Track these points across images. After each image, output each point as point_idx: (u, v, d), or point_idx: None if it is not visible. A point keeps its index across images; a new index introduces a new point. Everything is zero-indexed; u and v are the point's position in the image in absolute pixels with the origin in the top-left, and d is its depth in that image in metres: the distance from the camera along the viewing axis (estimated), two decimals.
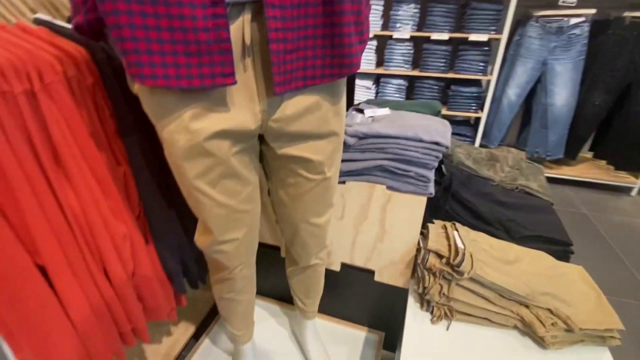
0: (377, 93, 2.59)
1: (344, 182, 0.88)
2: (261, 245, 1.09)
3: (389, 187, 0.86)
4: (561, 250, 0.94)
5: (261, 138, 0.58)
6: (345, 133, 0.82)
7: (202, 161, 0.50)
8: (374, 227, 0.91)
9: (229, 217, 0.58)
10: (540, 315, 0.76)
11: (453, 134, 2.51)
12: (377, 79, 2.60)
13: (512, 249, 0.89)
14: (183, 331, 1.17)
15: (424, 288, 0.83)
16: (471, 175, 1.08)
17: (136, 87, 0.47)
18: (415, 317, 0.83)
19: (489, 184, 1.09)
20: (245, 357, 0.90)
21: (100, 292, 0.68)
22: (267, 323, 1.13)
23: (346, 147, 0.84)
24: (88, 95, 0.64)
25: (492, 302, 0.79)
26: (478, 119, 2.45)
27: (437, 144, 0.78)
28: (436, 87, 2.46)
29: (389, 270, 0.97)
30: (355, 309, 1.10)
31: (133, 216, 0.73)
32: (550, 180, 2.50)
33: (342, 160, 0.85)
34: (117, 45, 0.40)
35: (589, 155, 2.59)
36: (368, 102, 1.11)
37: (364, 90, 2.60)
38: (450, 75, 2.34)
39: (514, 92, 2.32)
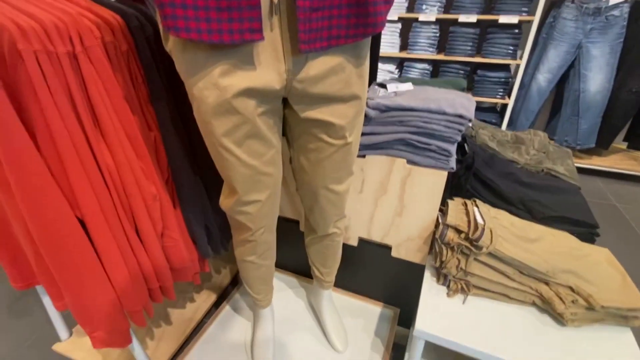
0: (397, 77, 2.55)
1: (364, 156, 0.89)
2: (281, 219, 1.12)
3: (410, 162, 0.86)
4: (586, 232, 0.92)
5: (285, 102, 0.59)
6: (368, 106, 0.83)
7: (229, 119, 0.52)
8: (392, 201, 0.92)
9: (253, 177, 0.60)
10: (560, 292, 0.76)
11: (478, 120, 2.44)
12: (401, 63, 2.56)
13: (533, 228, 0.88)
14: (205, 298, 1.22)
15: (442, 262, 0.83)
16: (494, 155, 1.06)
17: (170, 44, 0.49)
18: (430, 290, 0.84)
19: (512, 164, 1.07)
20: (265, 321, 0.94)
21: (132, 248, 0.72)
22: (285, 293, 1.16)
23: (368, 120, 0.84)
24: (123, 61, 0.67)
25: (510, 278, 0.79)
26: (505, 106, 2.37)
27: (460, 116, 0.77)
28: (462, 72, 2.39)
29: (407, 246, 0.98)
30: (372, 284, 1.12)
31: (162, 180, 0.77)
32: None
33: (363, 134, 0.86)
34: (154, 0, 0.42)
35: (623, 145, 2.47)
36: (391, 79, 1.10)
37: (386, 75, 2.56)
38: (477, 59, 2.27)
39: (544, 78, 2.22)
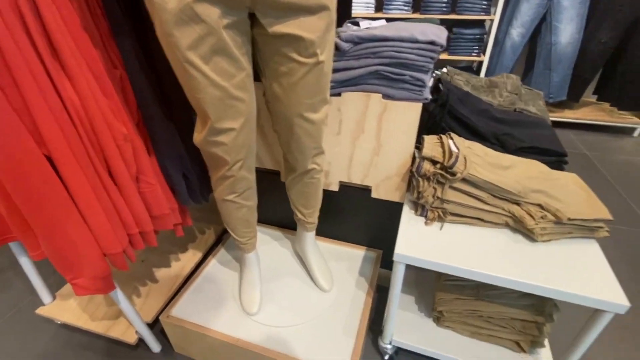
0: None
1: (339, 94, 0.89)
2: (261, 171, 1.12)
3: (385, 96, 0.86)
4: (556, 160, 0.96)
5: (252, 21, 0.58)
6: (340, 38, 0.82)
7: (193, 28, 0.50)
8: (370, 140, 0.93)
9: (224, 101, 0.59)
10: (530, 210, 0.79)
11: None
12: None
13: (506, 157, 0.91)
14: (191, 257, 1.22)
15: (419, 193, 0.86)
16: (468, 93, 1.08)
17: None
18: (409, 221, 0.86)
19: (483, 101, 1.09)
20: (251, 265, 0.95)
21: (106, 189, 0.71)
22: (270, 245, 1.18)
23: (341, 53, 0.83)
24: None
25: (484, 202, 0.82)
26: (481, 64, 2.39)
27: (432, 43, 0.77)
28: None
29: (385, 185, 0.99)
30: (355, 229, 1.14)
31: (132, 121, 0.75)
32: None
33: (338, 70, 0.86)
34: None
35: (593, 98, 2.55)
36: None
37: None
38: (453, 16, 2.26)
39: (517, 33, 2.24)
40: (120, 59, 0.72)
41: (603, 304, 0.65)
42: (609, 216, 0.76)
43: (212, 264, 1.12)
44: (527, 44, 2.30)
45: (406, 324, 0.98)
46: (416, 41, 0.78)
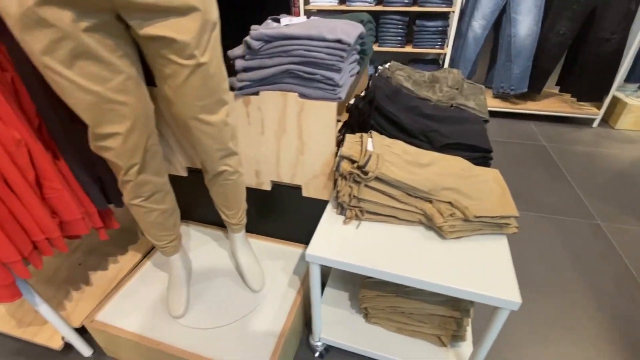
0: None
1: (257, 93, 0.87)
2: (194, 171, 1.10)
3: (301, 95, 0.85)
4: (481, 157, 0.96)
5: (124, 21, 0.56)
6: (251, 37, 0.80)
7: (43, 32, 0.48)
8: (293, 139, 0.92)
9: (100, 106, 0.57)
10: (440, 208, 0.80)
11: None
12: None
13: (428, 154, 0.91)
14: (130, 259, 1.21)
15: (337, 192, 0.85)
16: (398, 90, 1.07)
17: None
18: (329, 220, 0.86)
19: (416, 98, 1.08)
20: (175, 268, 0.95)
21: (1, 198, 0.69)
22: (206, 246, 1.17)
23: (253, 52, 0.82)
24: None
25: (398, 200, 0.82)
26: (445, 57, 2.39)
27: (339, 41, 0.76)
28: (401, 23, 2.37)
29: (314, 184, 0.99)
30: (289, 227, 1.14)
31: (29, 125, 0.73)
32: (515, 115, 2.50)
33: (252, 69, 0.84)
34: None
35: (556, 90, 2.58)
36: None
37: None
38: (415, 8, 2.25)
39: (479, 25, 2.24)
40: (9, 61, 0.69)
41: (497, 301, 0.66)
42: (515, 213, 0.77)
43: (147, 267, 1.11)
44: (489, 36, 2.30)
45: (337, 321, 0.98)
46: (324, 39, 0.77)
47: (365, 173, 0.80)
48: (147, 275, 1.08)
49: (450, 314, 0.87)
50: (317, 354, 1.00)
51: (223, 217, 0.94)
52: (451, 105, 1.19)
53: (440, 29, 2.30)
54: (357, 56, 0.94)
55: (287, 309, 0.95)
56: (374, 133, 0.91)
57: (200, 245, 1.17)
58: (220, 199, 0.88)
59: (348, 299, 1.05)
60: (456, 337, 0.89)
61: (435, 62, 2.54)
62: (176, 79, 0.61)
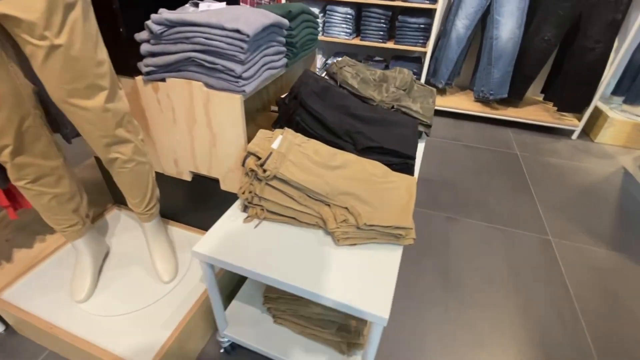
0: (324, 23, 2.43)
1: (164, 80, 0.84)
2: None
3: (207, 85, 0.82)
4: (403, 162, 0.93)
5: None
6: (152, 20, 0.76)
7: None
8: (204, 130, 0.89)
9: None
10: (336, 213, 0.77)
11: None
12: (324, 7, 2.42)
13: (342, 157, 0.87)
14: (57, 238, 1.20)
15: (240, 188, 0.83)
16: (329, 87, 1.03)
17: None
18: (231, 217, 0.84)
19: (349, 96, 1.04)
20: (80, 254, 0.93)
21: None
22: (131, 233, 1.15)
23: (156, 36, 0.79)
24: None
25: (297, 202, 0.79)
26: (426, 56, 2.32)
27: (237, 31, 0.72)
28: (384, 18, 2.30)
29: (230, 177, 0.96)
30: (213, 218, 1.11)
31: None
32: (494, 121, 2.44)
33: (155, 54, 0.81)
34: None
35: (540, 98, 2.50)
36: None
37: None
38: (398, 3, 2.18)
39: (462, 24, 2.17)
40: None
41: (367, 315, 0.64)
42: (409, 224, 0.74)
43: (66, 249, 1.10)
44: (472, 36, 2.23)
45: (247, 319, 0.97)
46: (223, 28, 0.73)
47: (265, 171, 0.78)
48: (65, 257, 1.07)
49: (346, 322, 0.84)
50: (221, 350, 0.99)
51: (129, 204, 0.92)
52: (392, 107, 1.15)
53: (423, 26, 2.23)
54: (278, 48, 0.90)
55: (191, 302, 0.94)
56: (289, 131, 0.88)
57: (130, 231, 1.16)
58: (121, 187, 0.86)
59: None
60: (355, 345, 0.87)
61: (419, 60, 2.47)
62: (35, 59, 0.58)
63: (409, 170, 0.94)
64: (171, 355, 0.85)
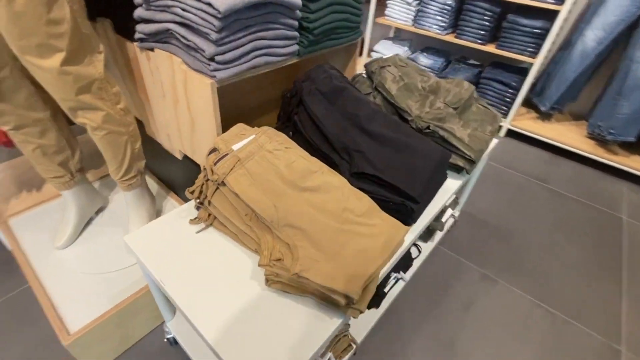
0: (417, 12, 2.14)
1: (152, 50, 0.77)
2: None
3: (185, 63, 0.72)
4: (400, 202, 0.72)
5: None
6: None
7: None
8: (184, 112, 0.81)
9: None
10: (276, 247, 0.62)
11: (497, 81, 1.99)
12: None
13: (321, 177, 0.71)
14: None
15: (193, 184, 0.73)
16: (344, 89, 0.84)
17: None
18: (182, 212, 0.75)
19: (367, 104, 0.84)
20: (66, 203, 0.97)
21: None
22: None
23: (146, 1, 0.71)
24: None
25: (242, 219, 0.66)
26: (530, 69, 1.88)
27: (209, 4, 0.60)
28: (489, 14, 1.91)
29: None
30: None
31: None
32: (606, 169, 1.88)
33: (143, 20, 0.74)
34: None
35: None
36: None
37: (402, 6, 2.17)
38: None
39: (594, 36, 1.67)
40: None
41: None
42: (352, 293, 0.55)
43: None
44: (604, 54, 1.70)
45: None
46: (199, 0, 0.61)
47: (213, 174, 0.66)
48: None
49: None
50: (165, 340, 0.95)
51: (109, 171, 0.91)
52: (427, 127, 0.91)
53: (538, 31, 1.78)
54: (284, 32, 0.75)
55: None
56: (269, 131, 0.74)
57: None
58: (102, 152, 0.84)
59: None
60: None
61: (523, 72, 2.01)
62: None
63: (407, 216, 0.72)
64: (106, 330, 0.83)
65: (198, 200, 0.72)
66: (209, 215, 0.72)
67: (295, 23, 0.77)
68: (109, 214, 1.10)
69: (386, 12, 2.26)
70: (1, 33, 0.61)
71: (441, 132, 0.90)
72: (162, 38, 0.74)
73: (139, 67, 0.86)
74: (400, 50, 2.38)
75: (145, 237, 0.70)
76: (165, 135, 0.95)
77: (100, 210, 1.10)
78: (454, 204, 1.19)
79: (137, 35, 0.77)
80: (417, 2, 2.13)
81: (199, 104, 0.74)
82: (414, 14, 2.15)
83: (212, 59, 0.66)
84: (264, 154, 0.70)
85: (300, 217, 0.63)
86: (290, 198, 0.66)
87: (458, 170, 0.94)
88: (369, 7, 2.26)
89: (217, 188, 0.68)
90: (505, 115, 2.03)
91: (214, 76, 0.67)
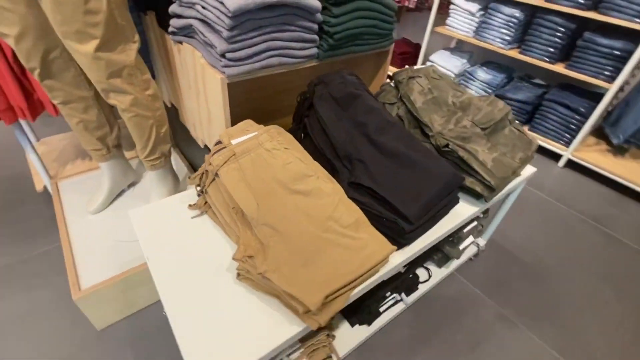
0: (480, 23, 2.01)
1: (181, 43, 0.83)
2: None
3: (203, 57, 0.76)
4: (393, 222, 0.68)
5: None
6: None
7: None
8: (204, 103, 0.85)
9: None
10: (251, 244, 0.62)
11: (562, 105, 1.79)
12: (487, 4, 1.98)
13: (314, 182, 0.70)
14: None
15: (195, 170, 0.77)
16: (358, 96, 0.81)
17: None
18: (186, 196, 0.80)
19: (379, 113, 0.80)
20: (102, 173, 1.08)
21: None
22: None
23: None
24: None
25: (229, 210, 0.68)
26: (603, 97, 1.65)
27: (222, 3, 0.63)
28: (562, 30, 1.73)
29: None
30: None
31: None
32: None
33: (175, 15, 0.79)
34: None
35: None
36: None
37: (465, 16, 2.05)
38: (593, 15, 1.57)
39: None
40: None
41: None
42: (310, 305, 0.53)
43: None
44: None
45: None
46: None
47: (209, 164, 0.69)
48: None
49: None
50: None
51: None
52: (447, 145, 0.85)
53: (618, 53, 1.57)
54: (302, 34, 0.76)
55: None
56: (273, 130, 0.75)
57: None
58: (129, 131, 0.92)
59: None
60: None
61: (596, 97, 1.78)
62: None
63: (398, 235, 0.68)
64: (112, 293, 0.91)
65: (199, 188, 0.76)
66: (205, 203, 0.75)
67: (314, 26, 0.77)
68: (140, 189, 1.21)
69: (447, 21, 2.16)
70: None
71: (461, 152, 0.83)
72: (188, 33, 0.79)
73: (173, 58, 0.93)
74: (458, 63, 2.25)
75: (147, 215, 0.75)
76: (192, 124, 1.02)
77: (132, 184, 1.21)
78: (475, 231, 1.10)
79: (170, 29, 0.83)
80: (482, 12, 2.00)
81: (213, 97, 0.78)
82: (476, 25, 2.03)
83: (223, 56, 0.69)
84: (261, 152, 0.71)
85: (281, 219, 0.63)
86: (278, 198, 0.66)
87: (477, 196, 0.86)
88: (429, 15, 2.17)
89: (214, 178, 0.71)
90: (567, 144, 1.82)
91: (224, 72, 0.70)
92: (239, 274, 0.62)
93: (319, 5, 0.73)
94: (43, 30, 0.74)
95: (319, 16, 0.77)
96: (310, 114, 0.83)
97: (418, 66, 2.46)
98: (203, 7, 0.68)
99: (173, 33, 0.83)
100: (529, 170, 0.99)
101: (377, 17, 0.87)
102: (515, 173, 0.88)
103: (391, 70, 2.56)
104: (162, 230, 0.72)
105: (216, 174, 0.69)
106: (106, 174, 1.08)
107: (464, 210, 0.84)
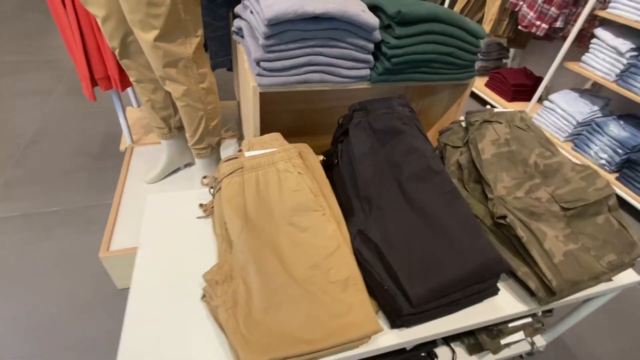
0: (627, 67, 1.59)
1: (238, 42, 0.82)
2: None
3: (248, 61, 0.73)
4: (392, 292, 0.55)
5: None
6: None
7: None
8: (244, 106, 0.84)
9: None
10: (224, 266, 0.57)
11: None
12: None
13: (317, 220, 0.63)
14: None
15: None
16: (403, 132, 0.68)
17: None
18: (200, 195, 0.80)
19: (423, 158, 0.66)
20: (162, 149, 1.16)
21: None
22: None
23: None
24: None
25: (221, 223, 0.64)
26: None
27: (262, 9, 0.58)
28: None
29: None
30: None
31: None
32: None
33: (237, 15, 0.78)
34: None
35: None
36: None
37: (609, 55, 1.65)
38: None
39: None
40: None
41: None
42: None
43: None
44: None
45: None
46: (258, 3, 0.60)
47: (220, 172, 0.66)
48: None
49: None
50: None
51: None
52: (504, 217, 0.66)
53: None
54: (352, 53, 0.67)
55: None
56: (293, 150, 0.68)
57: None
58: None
59: None
60: None
61: None
62: None
63: (394, 313, 0.55)
64: (131, 260, 0.97)
65: (212, 190, 0.75)
66: (212, 206, 0.73)
67: (369, 45, 0.67)
68: (194, 171, 1.27)
69: (584, 57, 1.77)
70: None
71: (520, 231, 0.64)
72: (242, 34, 0.77)
73: (237, 56, 0.94)
74: (586, 109, 1.83)
75: (160, 204, 0.76)
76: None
77: (188, 165, 1.29)
78: (530, 328, 0.86)
79: (232, 28, 0.83)
80: (634, 53, 1.58)
81: (247, 103, 0.75)
82: (623, 67, 1.61)
83: (258, 64, 0.65)
84: (271, 171, 0.65)
85: (261, 249, 0.57)
86: (271, 225, 0.60)
87: (531, 292, 0.65)
88: (561, 46, 1.81)
89: (220, 186, 0.68)
90: None
91: (256, 80, 0.66)
92: (203, 295, 0.58)
93: (376, 22, 0.63)
94: (123, 15, 0.81)
95: (377, 34, 0.67)
96: (345, 140, 0.74)
97: (531, 103, 2.09)
98: (251, 12, 0.65)
99: (235, 32, 0.83)
100: (629, 277, 0.72)
101: (455, 45, 0.73)
102: (598, 279, 0.64)
103: (501, 96, 2.16)
104: (166, 223, 0.72)
105: (220, 183, 0.66)
106: (165, 151, 1.16)
107: (506, 304, 0.65)
